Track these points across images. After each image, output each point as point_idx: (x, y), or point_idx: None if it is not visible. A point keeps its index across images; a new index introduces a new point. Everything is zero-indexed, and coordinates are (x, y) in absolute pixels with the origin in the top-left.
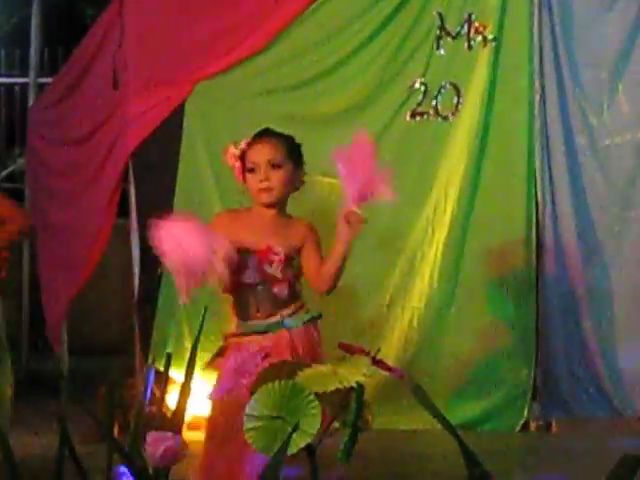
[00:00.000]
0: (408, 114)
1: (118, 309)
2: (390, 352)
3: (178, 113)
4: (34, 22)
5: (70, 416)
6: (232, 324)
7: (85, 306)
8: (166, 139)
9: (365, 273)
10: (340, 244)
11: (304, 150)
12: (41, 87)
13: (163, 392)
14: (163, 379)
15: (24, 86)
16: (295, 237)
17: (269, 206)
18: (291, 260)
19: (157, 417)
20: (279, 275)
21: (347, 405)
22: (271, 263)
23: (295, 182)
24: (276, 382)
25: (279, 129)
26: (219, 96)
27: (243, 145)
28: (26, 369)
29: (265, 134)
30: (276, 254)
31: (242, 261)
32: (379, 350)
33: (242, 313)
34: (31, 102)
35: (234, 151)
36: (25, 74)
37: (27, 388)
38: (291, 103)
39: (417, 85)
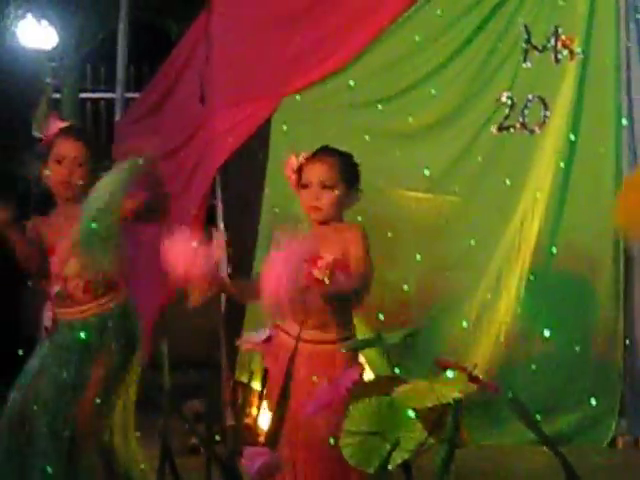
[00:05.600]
0: (495, 127)
1: (204, 323)
2: (477, 367)
3: (264, 127)
4: (121, 38)
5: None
6: None
7: (171, 320)
8: (252, 154)
9: (450, 289)
10: None
11: (389, 164)
12: (127, 102)
13: (248, 405)
14: (249, 393)
15: (110, 101)
16: (346, 241)
17: (320, 223)
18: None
19: (242, 429)
20: (327, 279)
21: (443, 421)
22: (318, 267)
23: (347, 202)
24: (373, 398)
25: (364, 144)
26: (306, 110)
27: (302, 159)
28: None
29: (322, 153)
30: (322, 258)
31: None
32: (476, 366)
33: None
34: (117, 117)
35: (293, 163)
36: (111, 89)
37: None
38: (377, 117)
39: (504, 99)
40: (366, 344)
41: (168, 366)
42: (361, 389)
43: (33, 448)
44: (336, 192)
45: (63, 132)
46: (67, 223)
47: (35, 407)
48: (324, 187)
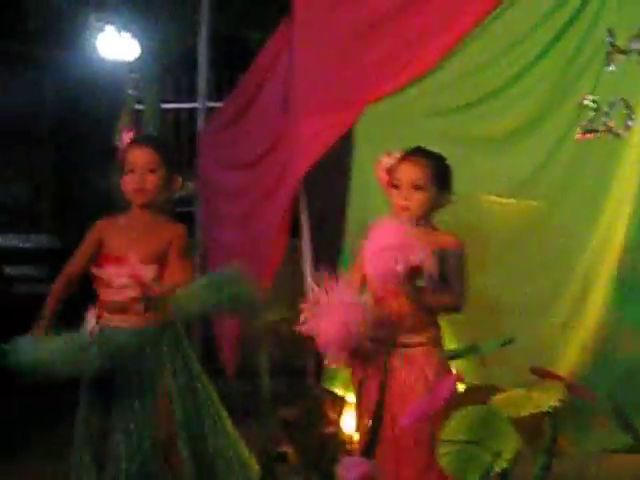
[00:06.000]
0: (579, 132)
1: (290, 330)
2: (563, 373)
3: (346, 134)
4: (202, 49)
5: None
6: None
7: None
8: (335, 161)
9: (536, 293)
10: None
11: (473, 169)
12: (208, 112)
13: (338, 414)
14: (338, 401)
15: (191, 111)
16: (441, 244)
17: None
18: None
19: (332, 439)
20: (420, 283)
21: (541, 430)
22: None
23: (437, 204)
24: (470, 407)
25: (447, 150)
26: (388, 117)
27: (394, 160)
28: None
29: (415, 153)
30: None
31: None
32: (570, 375)
33: None
34: (199, 127)
35: (386, 163)
36: (191, 99)
37: None
38: (460, 124)
39: (587, 102)
40: (463, 353)
41: (253, 373)
42: (458, 399)
43: (115, 455)
44: (426, 193)
45: (134, 141)
46: (140, 230)
47: (113, 418)
48: (415, 188)
